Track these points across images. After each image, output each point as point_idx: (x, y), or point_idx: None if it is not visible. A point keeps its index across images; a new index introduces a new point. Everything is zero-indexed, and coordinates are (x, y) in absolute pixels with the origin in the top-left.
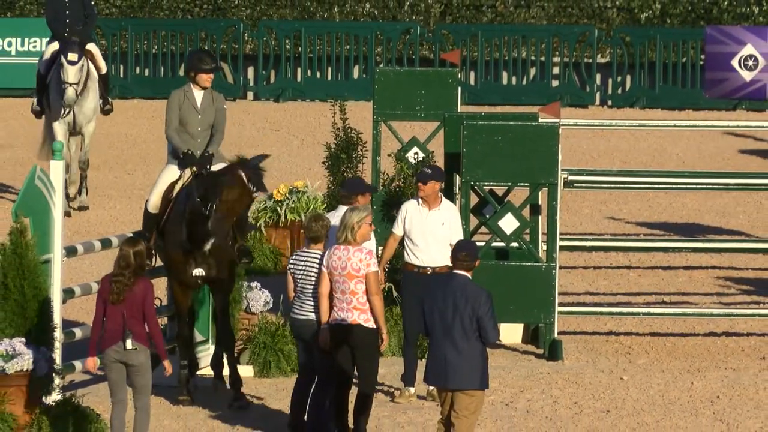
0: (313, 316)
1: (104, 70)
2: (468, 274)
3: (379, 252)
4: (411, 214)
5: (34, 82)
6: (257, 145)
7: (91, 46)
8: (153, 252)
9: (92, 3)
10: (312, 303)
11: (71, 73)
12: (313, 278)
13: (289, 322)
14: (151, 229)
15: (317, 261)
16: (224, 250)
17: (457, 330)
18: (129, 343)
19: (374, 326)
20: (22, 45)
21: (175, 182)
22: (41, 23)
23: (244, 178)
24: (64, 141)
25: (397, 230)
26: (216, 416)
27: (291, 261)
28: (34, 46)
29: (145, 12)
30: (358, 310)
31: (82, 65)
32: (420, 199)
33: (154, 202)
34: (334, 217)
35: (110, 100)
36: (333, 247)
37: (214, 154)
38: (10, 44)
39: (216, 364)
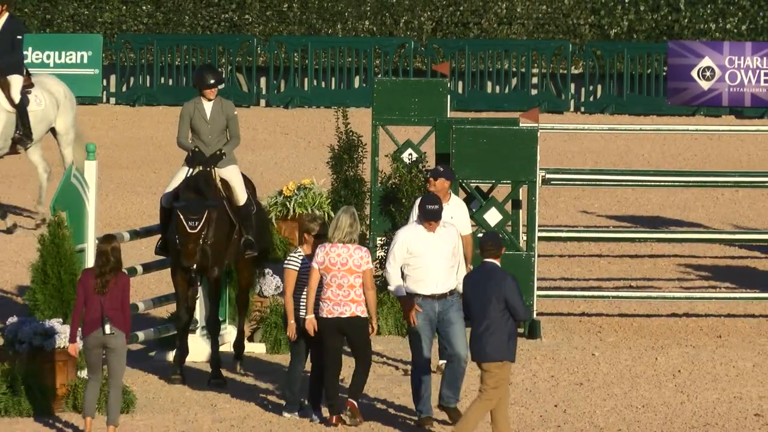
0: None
1: (17, 100)
2: (496, 262)
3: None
4: None
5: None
6: (269, 147)
7: (12, 77)
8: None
9: (20, 38)
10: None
11: None
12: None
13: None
14: (165, 222)
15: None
16: (218, 243)
17: (491, 311)
18: (108, 328)
19: (367, 316)
20: (60, 58)
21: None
22: (76, 38)
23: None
24: None
25: None
26: (233, 387)
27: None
28: (70, 59)
29: (169, 28)
30: (355, 303)
31: None
32: None
33: (166, 197)
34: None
35: (27, 131)
36: (328, 245)
37: (225, 154)
38: (48, 57)
39: (237, 344)
